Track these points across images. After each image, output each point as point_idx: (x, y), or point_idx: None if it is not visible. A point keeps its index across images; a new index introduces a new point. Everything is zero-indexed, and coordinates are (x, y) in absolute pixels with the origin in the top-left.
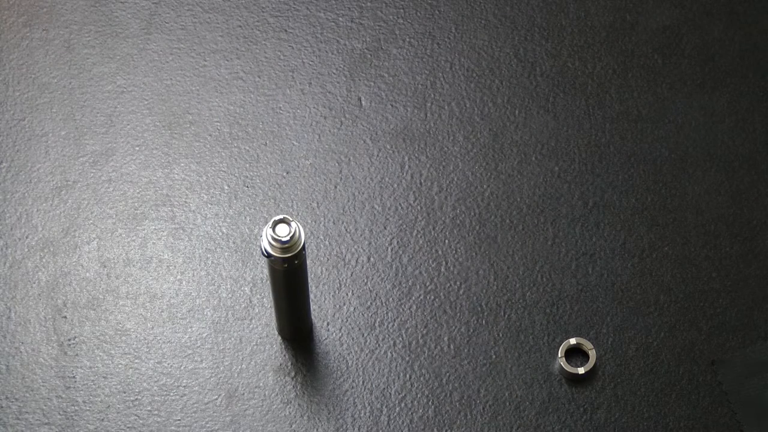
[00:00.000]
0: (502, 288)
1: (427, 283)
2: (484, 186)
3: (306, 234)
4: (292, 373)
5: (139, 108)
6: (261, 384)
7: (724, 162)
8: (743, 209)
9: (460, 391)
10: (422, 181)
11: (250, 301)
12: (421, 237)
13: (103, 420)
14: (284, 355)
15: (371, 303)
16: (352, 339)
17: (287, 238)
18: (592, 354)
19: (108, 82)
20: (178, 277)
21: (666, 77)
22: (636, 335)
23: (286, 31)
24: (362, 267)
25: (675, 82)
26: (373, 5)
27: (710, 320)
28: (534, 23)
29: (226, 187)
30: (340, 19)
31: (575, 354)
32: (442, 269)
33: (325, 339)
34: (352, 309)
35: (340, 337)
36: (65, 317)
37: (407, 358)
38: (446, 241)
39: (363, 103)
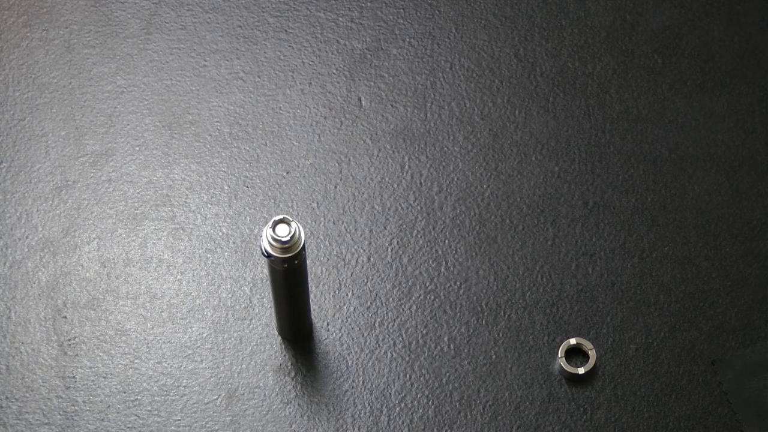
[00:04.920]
0: (502, 288)
1: (427, 283)
2: (484, 186)
3: (306, 234)
4: (292, 373)
5: (139, 108)
6: (261, 384)
7: (724, 162)
8: (743, 209)
9: (460, 391)
10: (422, 181)
11: (250, 301)
12: (421, 237)
13: (103, 420)
14: (284, 355)
15: (371, 303)
16: (352, 339)
17: (287, 238)
18: (592, 354)
19: (108, 82)
20: (178, 277)
21: (666, 77)
22: (636, 335)
23: (286, 31)
24: (362, 267)
25: (675, 82)
26: (373, 5)
27: (710, 320)
28: (534, 23)
29: (226, 187)
30: (340, 19)
31: (575, 354)
32: (442, 269)
33: (325, 339)
34: (352, 309)
35: (340, 337)
36: (65, 317)
37: (407, 358)
38: (446, 241)
39: (363, 103)
